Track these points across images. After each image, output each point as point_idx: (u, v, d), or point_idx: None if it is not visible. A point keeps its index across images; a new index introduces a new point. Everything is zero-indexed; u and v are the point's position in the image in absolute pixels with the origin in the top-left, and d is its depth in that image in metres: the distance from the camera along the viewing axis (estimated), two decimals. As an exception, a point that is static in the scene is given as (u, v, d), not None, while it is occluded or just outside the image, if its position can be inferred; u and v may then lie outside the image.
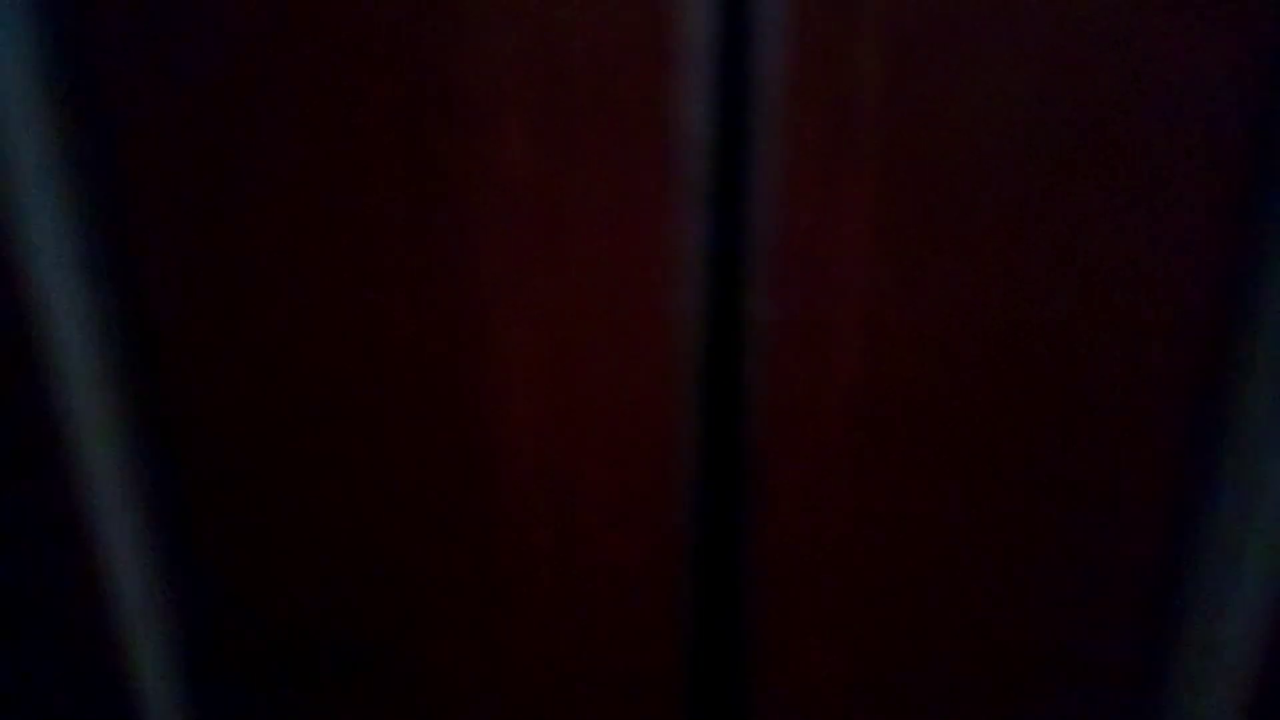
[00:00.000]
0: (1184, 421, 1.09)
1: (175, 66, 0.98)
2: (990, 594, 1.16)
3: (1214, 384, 1.08)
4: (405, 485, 1.13)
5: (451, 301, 1.05)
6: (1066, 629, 1.19)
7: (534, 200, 1.00)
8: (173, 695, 1.25)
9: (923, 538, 1.14)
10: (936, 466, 1.11)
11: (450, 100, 0.97)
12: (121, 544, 1.13)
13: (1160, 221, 1.01)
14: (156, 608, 1.19)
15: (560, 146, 0.98)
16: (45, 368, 1.05)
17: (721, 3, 0.93)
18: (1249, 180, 0.99)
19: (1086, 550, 1.14)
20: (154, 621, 1.19)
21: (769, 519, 1.12)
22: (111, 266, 1.06)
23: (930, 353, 1.06)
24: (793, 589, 1.16)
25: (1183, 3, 0.93)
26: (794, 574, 1.15)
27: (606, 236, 1.01)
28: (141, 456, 1.13)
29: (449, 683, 1.24)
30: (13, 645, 1.21)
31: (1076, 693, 1.22)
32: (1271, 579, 1.10)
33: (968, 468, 1.11)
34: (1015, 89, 0.96)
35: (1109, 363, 1.07)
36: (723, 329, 1.05)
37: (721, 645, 1.20)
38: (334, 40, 0.96)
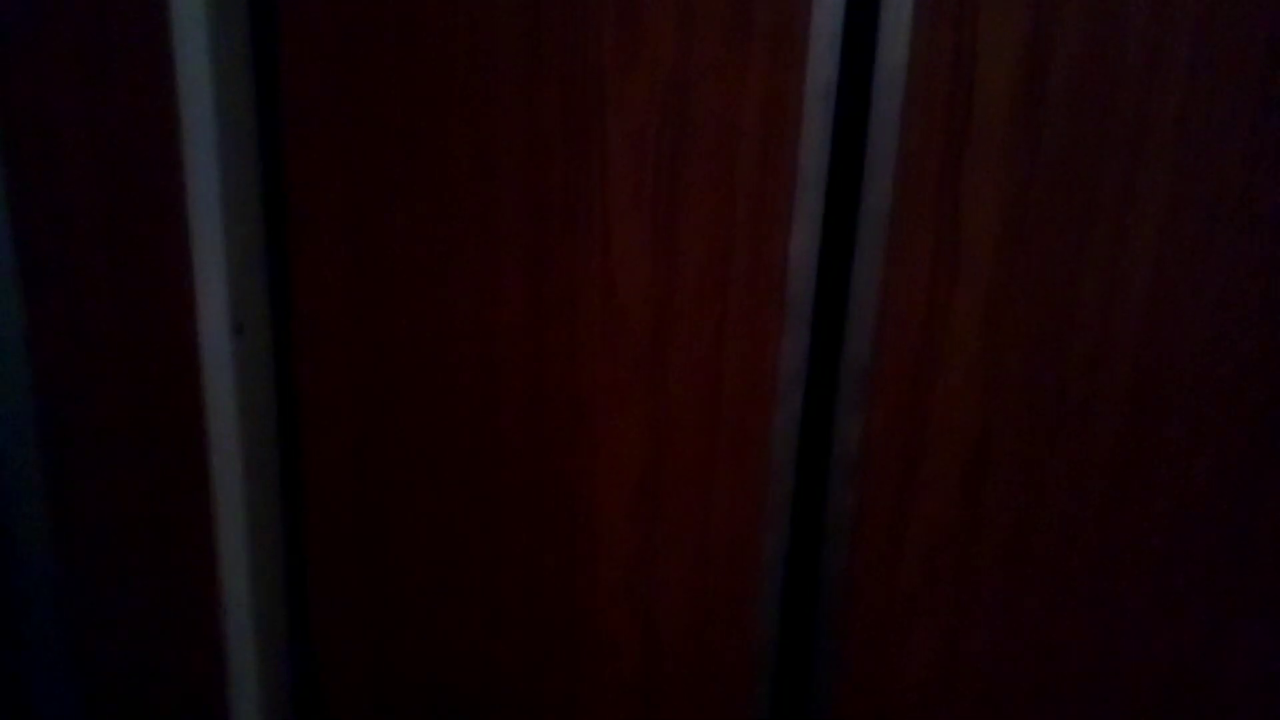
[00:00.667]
0: None
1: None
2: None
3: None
4: (511, 578, 1.18)
5: (562, 413, 1.10)
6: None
7: (641, 316, 1.05)
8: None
9: (1009, 683, 1.10)
10: (1023, 613, 1.07)
11: (572, 216, 1.04)
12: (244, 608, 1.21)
13: None
14: (270, 667, 1.26)
15: (667, 263, 1.03)
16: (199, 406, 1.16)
17: (833, 133, 0.97)
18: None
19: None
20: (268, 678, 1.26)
21: (849, 650, 1.11)
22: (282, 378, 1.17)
23: (1027, 492, 1.04)
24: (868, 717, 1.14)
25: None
26: (870, 708, 1.13)
27: (708, 354, 1.05)
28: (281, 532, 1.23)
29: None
30: (133, 681, 1.30)
31: None
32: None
33: (1052, 613, 1.07)
34: (1128, 232, 0.96)
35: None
36: (816, 450, 1.07)
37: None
38: (462, 163, 1.05)
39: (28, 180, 1.18)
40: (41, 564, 1.30)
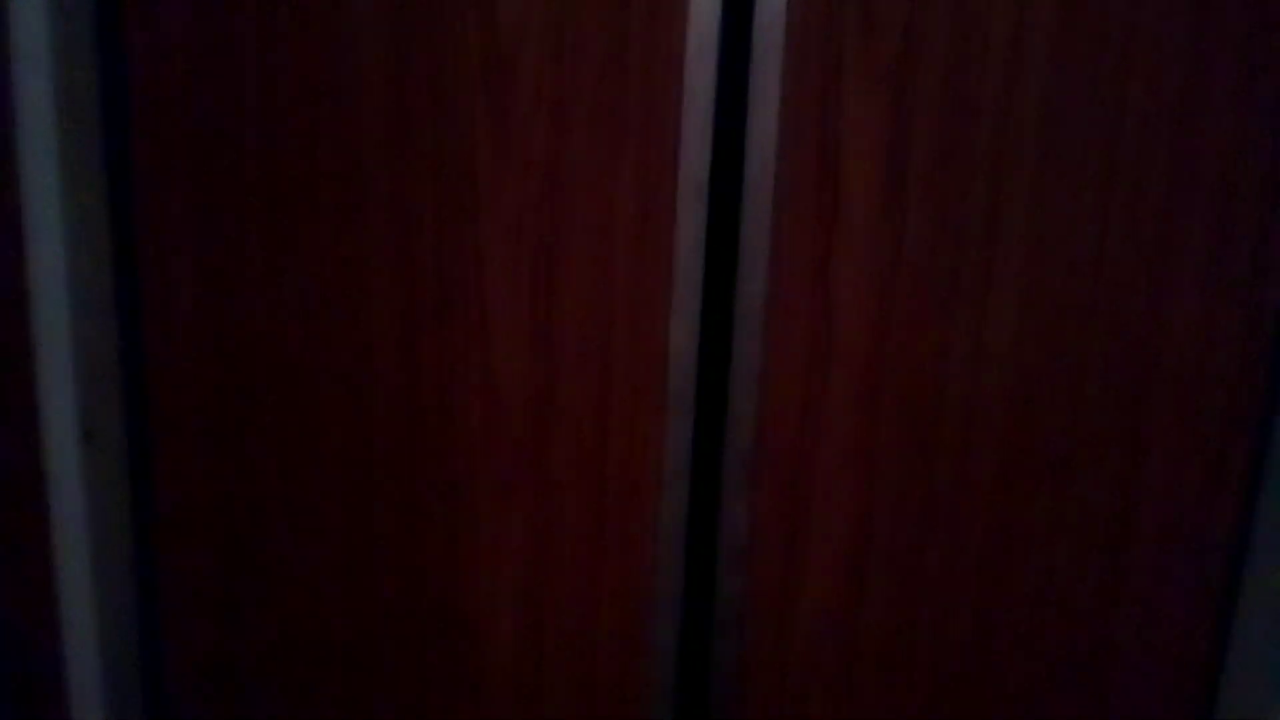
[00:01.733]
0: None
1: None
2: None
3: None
4: (391, 686, 1.13)
5: (439, 510, 1.07)
6: None
7: (521, 407, 1.04)
8: None
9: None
10: (910, 688, 1.09)
11: (447, 307, 1.02)
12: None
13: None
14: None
15: (547, 354, 1.02)
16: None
17: (707, 228, 0.98)
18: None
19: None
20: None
21: (745, 733, 1.10)
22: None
23: (911, 571, 1.07)
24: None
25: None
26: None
27: (591, 445, 1.04)
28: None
29: None
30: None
31: None
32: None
33: (937, 691, 1.09)
34: (990, 311, 1.00)
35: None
36: (704, 538, 1.07)
37: None
38: (330, 254, 1.02)
39: None
40: None
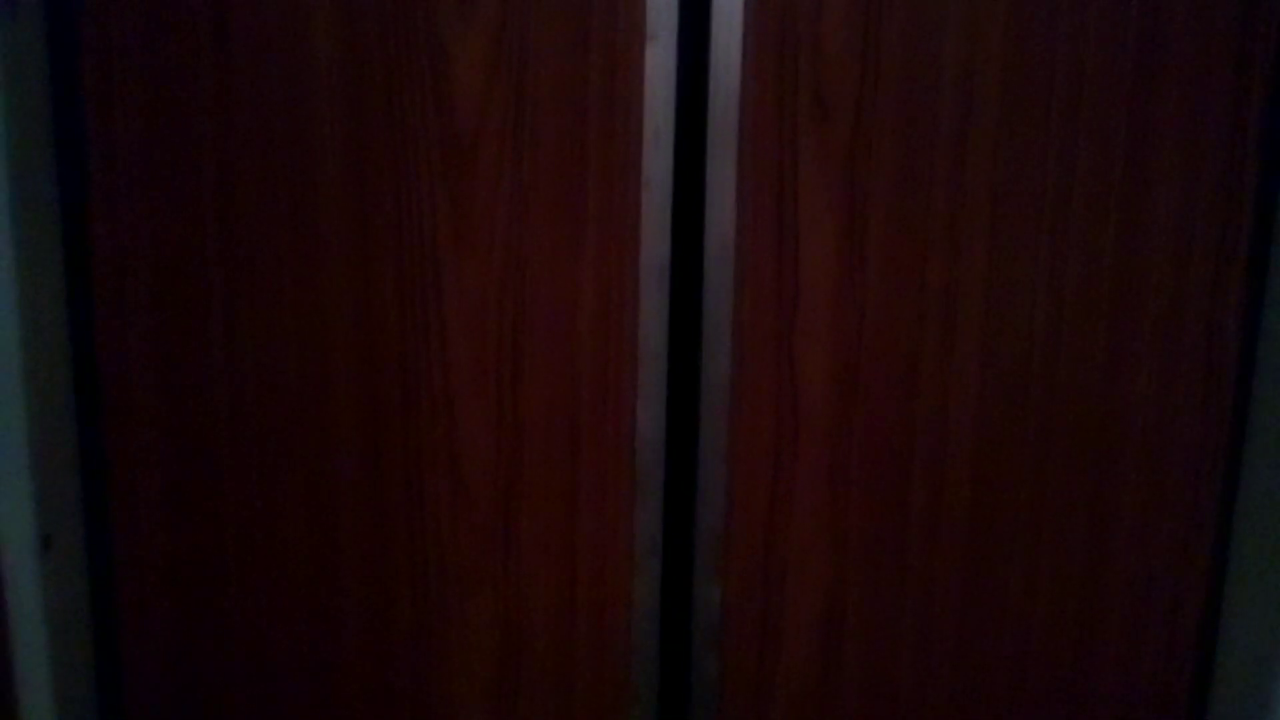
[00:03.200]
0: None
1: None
2: None
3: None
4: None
5: (407, 599, 1.05)
6: None
7: (488, 492, 1.03)
8: None
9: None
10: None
11: (412, 392, 1.01)
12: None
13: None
14: None
15: (513, 438, 1.02)
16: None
17: (670, 308, 0.99)
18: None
19: None
20: None
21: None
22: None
23: (886, 642, 1.06)
24: None
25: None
26: None
27: (560, 529, 1.03)
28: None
29: None
30: None
31: None
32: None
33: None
34: (951, 380, 1.01)
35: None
36: (676, 617, 1.06)
37: None
38: (290, 344, 1.02)
39: None
40: None
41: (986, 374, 1.01)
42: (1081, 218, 0.98)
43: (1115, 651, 1.07)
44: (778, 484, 1.02)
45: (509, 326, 0.99)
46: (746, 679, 1.06)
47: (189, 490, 1.04)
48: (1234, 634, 1.06)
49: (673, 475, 1.02)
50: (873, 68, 0.94)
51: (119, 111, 0.97)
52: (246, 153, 0.97)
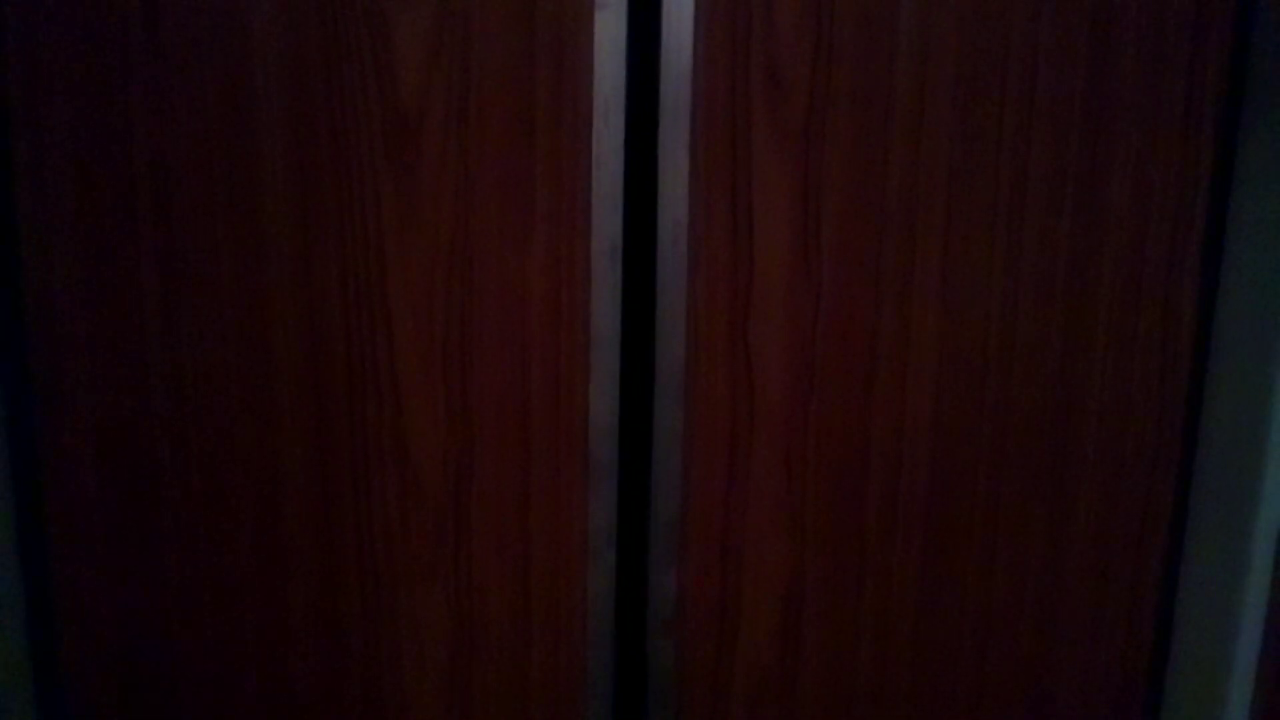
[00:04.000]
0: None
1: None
2: None
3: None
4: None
5: (357, 593, 1.02)
6: None
7: (438, 481, 1.00)
8: None
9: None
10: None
11: (358, 380, 0.98)
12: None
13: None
14: None
15: (464, 425, 0.99)
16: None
17: (623, 292, 0.97)
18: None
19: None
20: None
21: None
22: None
23: (845, 629, 1.05)
24: None
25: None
26: None
27: (513, 518, 1.01)
28: None
29: None
30: None
31: None
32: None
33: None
34: (910, 364, 1.00)
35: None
36: (632, 606, 1.04)
37: None
38: (230, 333, 0.98)
39: None
40: None
41: (943, 359, 1.00)
42: (1038, 201, 0.97)
43: (1073, 638, 1.06)
44: (734, 470, 1.00)
45: (457, 311, 0.96)
46: (703, 667, 1.05)
47: (129, 483, 1.01)
48: (1190, 619, 1.06)
49: (627, 462, 1.00)
50: (826, 44, 0.92)
51: (43, 90, 0.93)
52: (180, 132, 0.93)
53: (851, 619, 1.05)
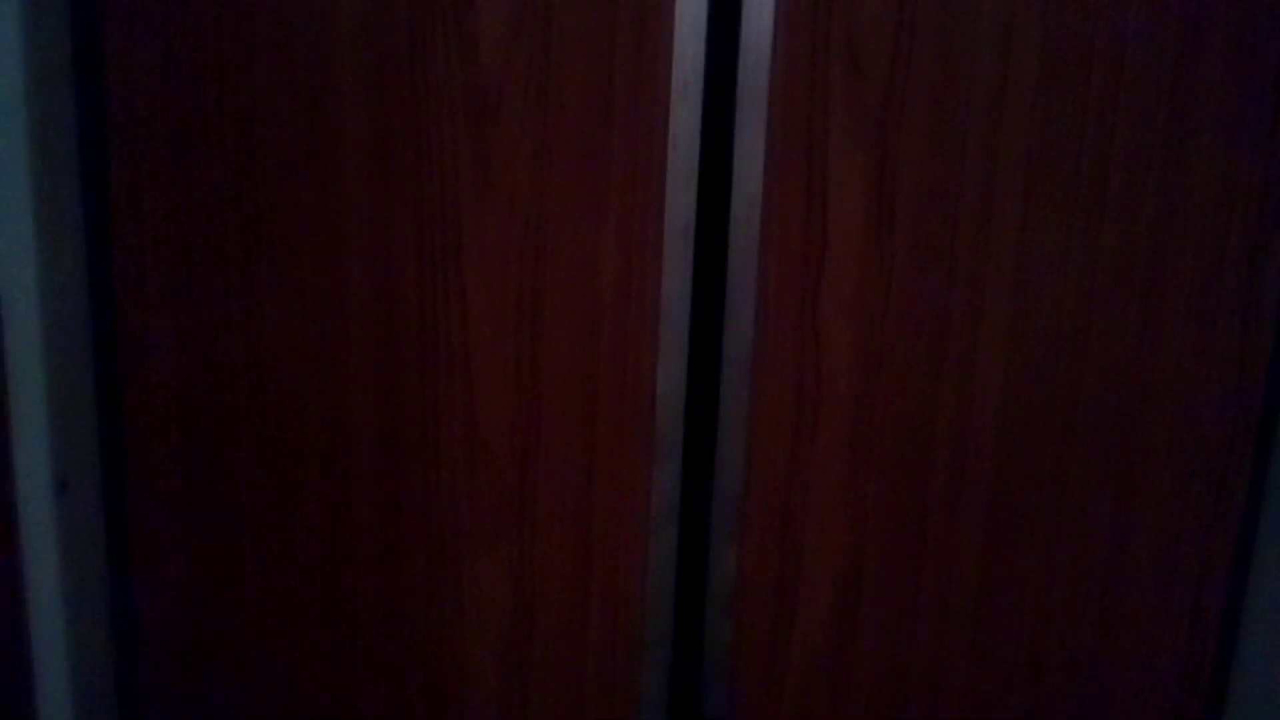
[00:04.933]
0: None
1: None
2: None
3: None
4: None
5: (421, 558, 1.05)
6: None
7: (505, 451, 1.02)
8: None
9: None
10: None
11: (430, 348, 1.00)
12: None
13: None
14: None
15: (531, 397, 1.00)
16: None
17: (694, 269, 0.97)
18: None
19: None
20: None
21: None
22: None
23: (903, 614, 1.05)
24: None
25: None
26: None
27: (577, 490, 1.02)
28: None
29: None
30: None
31: None
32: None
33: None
34: (979, 348, 0.99)
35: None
36: (691, 581, 1.05)
37: None
38: (309, 296, 1.01)
39: None
40: None
41: (1014, 346, 0.99)
42: (1118, 188, 0.96)
43: (1136, 631, 1.05)
44: (798, 450, 1.01)
45: (529, 284, 0.98)
46: (760, 645, 1.05)
47: (204, 442, 1.04)
48: (1258, 619, 1.04)
49: (692, 439, 1.01)
50: (908, 25, 0.92)
51: (137, 65, 0.96)
52: (267, 105, 0.96)
53: (910, 603, 1.05)
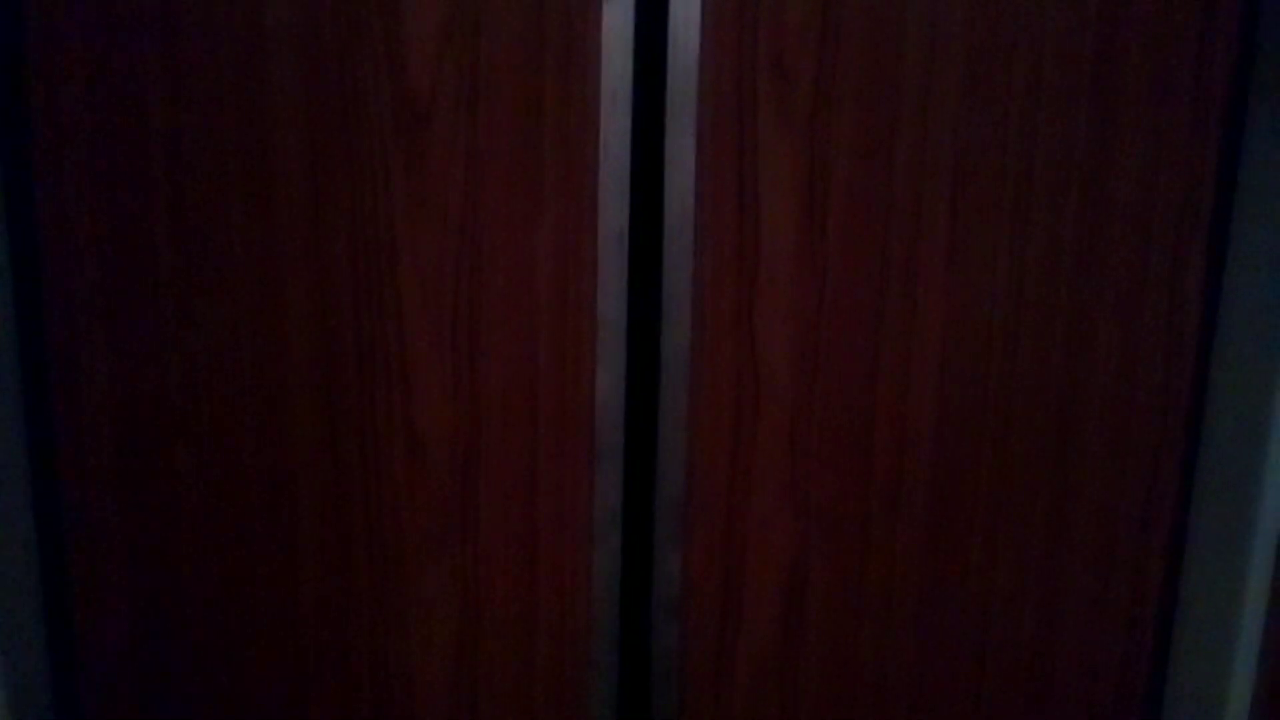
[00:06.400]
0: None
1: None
2: None
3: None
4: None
5: (366, 568, 1.04)
6: None
7: (447, 460, 1.02)
8: None
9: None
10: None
11: (368, 360, 1.00)
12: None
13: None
14: None
15: (471, 405, 1.00)
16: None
17: (629, 277, 0.98)
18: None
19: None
20: None
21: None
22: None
23: (848, 612, 1.06)
24: None
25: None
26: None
27: (520, 498, 1.02)
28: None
29: None
30: None
31: None
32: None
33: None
34: (914, 348, 1.01)
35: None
36: (637, 586, 1.05)
37: None
38: (243, 311, 1.00)
39: None
40: None
41: (948, 346, 1.00)
42: (1044, 189, 0.98)
43: (1075, 628, 1.07)
44: (738, 454, 1.02)
45: (466, 294, 0.98)
46: (707, 649, 1.06)
47: (142, 460, 1.03)
48: (1192, 613, 1.06)
49: (632, 445, 1.01)
50: (833, 32, 0.93)
51: (62, 80, 0.95)
52: (196, 118, 0.95)
53: (855, 603, 1.06)
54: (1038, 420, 1.03)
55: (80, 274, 0.99)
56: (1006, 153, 0.97)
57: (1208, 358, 1.03)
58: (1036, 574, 1.06)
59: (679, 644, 1.06)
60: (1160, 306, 1.01)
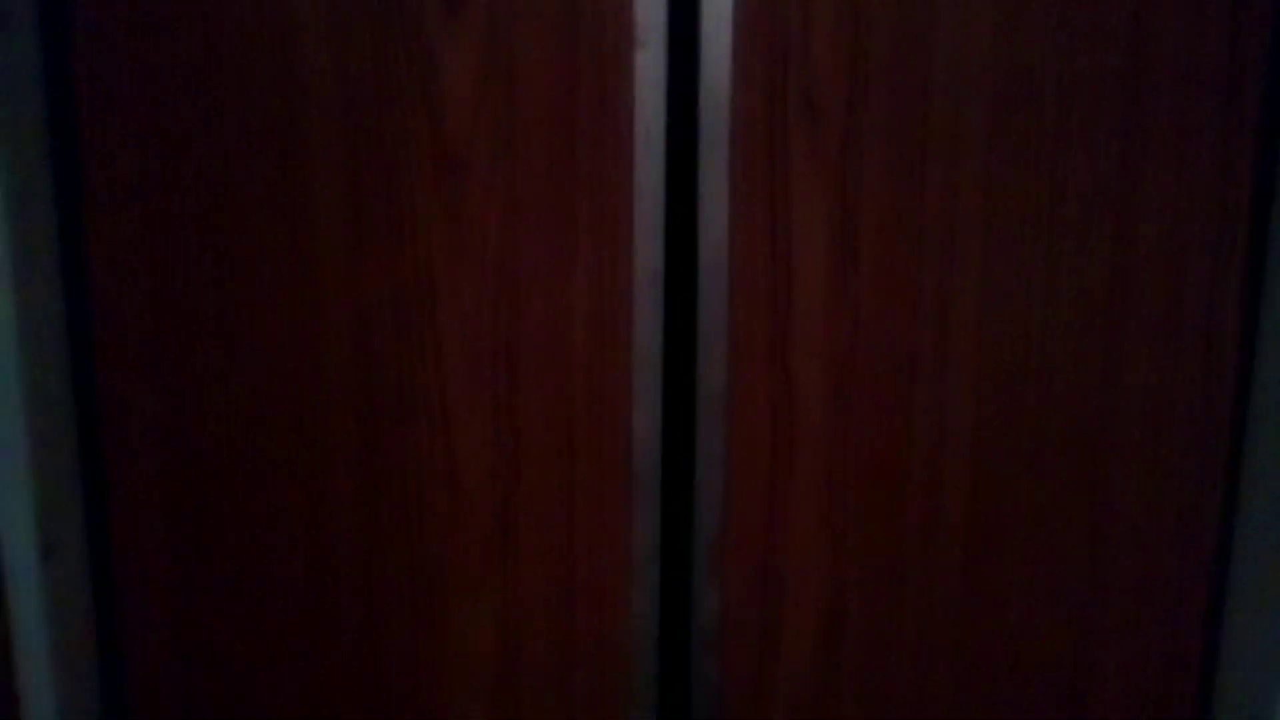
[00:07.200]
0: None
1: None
2: None
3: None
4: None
5: (404, 607, 1.05)
6: None
7: (485, 499, 1.03)
8: None
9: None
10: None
11: (407, 401, 1.02)
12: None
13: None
14: None
15: (510, 445, 1.02)
16: None
17: (665, 316, 0.99)
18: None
19: None
20: None
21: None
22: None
23: (886, 647, 1.06)
24: None
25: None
26: None
27: (558, 535, 1.03)
28: None
29: None
30: None
31: None
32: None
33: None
34: (948, 384, 1.01)
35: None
36: (675, 624, 1.06)
37: None
38: (284, 354, 1.02)
39: None
40: None
41: (982, 377, 1.01)
42: (1076, 218, 0.98)
43: (1116, 655, 1.06)
44: (775, 490, 1.02)
45: (504, 336, 0.99)
46: (746, 685, 1.06)
47: (187, 501, 1.05)
48: (1237, 636, 1.05)
49: (670, 482, 1.02)
50: (862, 70, 0.94)
51: (112, 128, 0.97)
52: (239, 168, 0.98)
53: (892, 635, 1.06)
54: (1074, 453, 1.02)
55: (129, 318, 1.02)
56: (1037, 185, 0.97)
57: (1247, 384, 1.03)
58: (1075, 607, 1.06)
59: (718, 678, 1.06)
60: (1197, 334, 1.00)
